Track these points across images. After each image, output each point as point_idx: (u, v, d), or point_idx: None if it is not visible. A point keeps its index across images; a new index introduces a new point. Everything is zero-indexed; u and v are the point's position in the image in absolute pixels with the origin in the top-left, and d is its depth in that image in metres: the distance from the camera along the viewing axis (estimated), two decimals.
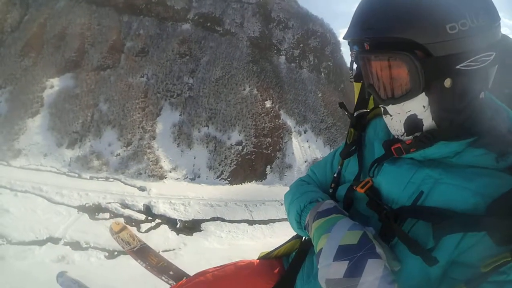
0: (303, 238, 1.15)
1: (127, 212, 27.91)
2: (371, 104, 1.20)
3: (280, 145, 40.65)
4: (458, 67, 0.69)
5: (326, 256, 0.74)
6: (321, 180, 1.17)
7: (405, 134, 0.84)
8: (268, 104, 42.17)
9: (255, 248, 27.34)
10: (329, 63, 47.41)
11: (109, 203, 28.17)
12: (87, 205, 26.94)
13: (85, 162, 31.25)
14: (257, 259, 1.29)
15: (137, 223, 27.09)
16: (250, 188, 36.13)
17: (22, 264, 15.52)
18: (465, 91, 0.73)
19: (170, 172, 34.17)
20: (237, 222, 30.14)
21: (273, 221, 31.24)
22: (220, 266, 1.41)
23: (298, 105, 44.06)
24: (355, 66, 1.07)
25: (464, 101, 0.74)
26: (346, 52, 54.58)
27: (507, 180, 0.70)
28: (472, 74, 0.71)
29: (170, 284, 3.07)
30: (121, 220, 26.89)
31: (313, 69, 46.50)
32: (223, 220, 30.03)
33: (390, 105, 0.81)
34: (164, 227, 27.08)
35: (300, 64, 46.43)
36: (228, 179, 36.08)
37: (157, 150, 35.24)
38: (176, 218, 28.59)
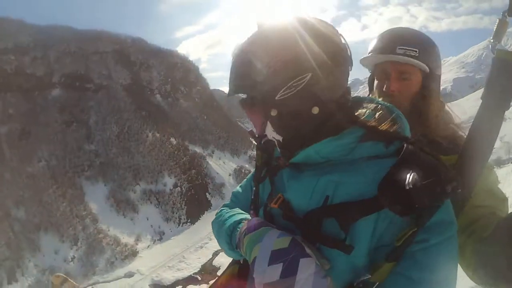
0: (241, 261, 1.05)
1: None
2: None
3: (204, 171, 41.87)
4: (276, 98, 0.81)
5: (260, 263, 0.75)
6: (244, 204, 1.11)
7: (279, 150, 0.94)
8: (173, 141, 41.96)
9: None
10: (198, 87, 50.45)
11: None
12: None
13: None
14: None
15: None
16: (210, 217, 36.27)
17: None
18: (291, 113, 0.83)
19: (137, 244, 30.35)
20: None
21: None
22: None
23: (195, 133, 45.66)
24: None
25: (296, 121, 0.84)
26: (207, 73, 58.50)
27: (390, 162, 0.76)
28: (291, 99, 0.80)
29: None
30: None
31: (187, 97, 48.38)
32: None
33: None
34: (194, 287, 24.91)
35: (175, 97, 47.30)
36: (188, 221, 35.26)
37: (108, 230, 30.03)
38: (189, 274, 26.58)
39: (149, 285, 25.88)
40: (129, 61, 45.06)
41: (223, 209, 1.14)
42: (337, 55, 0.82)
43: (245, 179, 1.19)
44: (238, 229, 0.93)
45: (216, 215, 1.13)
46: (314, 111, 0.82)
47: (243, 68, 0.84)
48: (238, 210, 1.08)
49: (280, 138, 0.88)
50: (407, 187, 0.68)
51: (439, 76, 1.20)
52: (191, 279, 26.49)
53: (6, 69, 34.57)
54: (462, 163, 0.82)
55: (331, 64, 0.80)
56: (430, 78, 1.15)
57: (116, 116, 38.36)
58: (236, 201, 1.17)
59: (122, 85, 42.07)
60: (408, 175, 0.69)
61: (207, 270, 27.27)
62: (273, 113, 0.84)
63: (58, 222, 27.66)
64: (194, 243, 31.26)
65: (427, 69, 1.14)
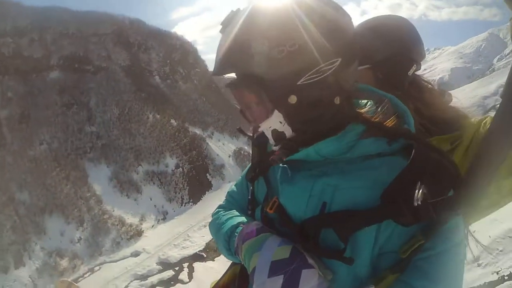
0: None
1: (153, 279, 24.95)
2: None
3: (204, 153, 42.14)
4: (299, 83, 0.70)
5: (260, 274, 0.71)
6: (240, 204, 1.06)
7: (274, 144, 0.84)
8: (174, 123, 41.94)
9: None
10: (196, 69, 49.99)
11: (127, 287, 23.52)
12: None
13: (52, 271, 23.85)
14: None
15: (174, 280, 24.44)
16: (211, 197, 37.00)
17: None
18: (313, 102, 0.74)
19: (142, 224, 30.94)
20: None
21: None
22: None
23: (195, 114, 45.58)
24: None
25: (316, 111, 0.75)
26: (203, 55, 57.63)
27: (397, 163, 0.70)
28: (316, 85, 0.71)
29: None
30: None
31: (186, 79, 48.03)
32: None
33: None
34: (201, 264, 25.76)
35: (174, 79, 46.95)
36: (190, 201, 35.86)
37: (113, 211, 30.52)
38: (195, 251, 27.32)
39: (156, 263, 26.54)
40: (128, 42, 44.39)
41: (220, 211, 1.09)
42: (356, 40, 0.76)
43: (240, 177, 1.14)
44: (236, 234, 0.90)
45: (212, 216, 1.10)
46: (336, 101, 0.76)
47: (253, 40, 0.70)
48: (234, 212, 1.03)
49: (289, 130, 0.79)
50: (415, 204, 0.63)
51: (390, 57, 1.19)
52: (196, 257, 27.24)
53: (4, 52, 34.05)
54: (478, 166, 0.77)
55: (356, 50, 0.76)
56: (376, 67, 1.20)
57: (116, 98, 38.18)
58: (232, 201, 1.12)
59: (121, 66, 41.62)
60: (416, 190, 0.64)
61: (212, 247, 28.04)
62: (292, 100, 0.74)
63: (63, 204, 28.04)
64: (197, 222, 31.96)
65: (361, 66, 1.17)
